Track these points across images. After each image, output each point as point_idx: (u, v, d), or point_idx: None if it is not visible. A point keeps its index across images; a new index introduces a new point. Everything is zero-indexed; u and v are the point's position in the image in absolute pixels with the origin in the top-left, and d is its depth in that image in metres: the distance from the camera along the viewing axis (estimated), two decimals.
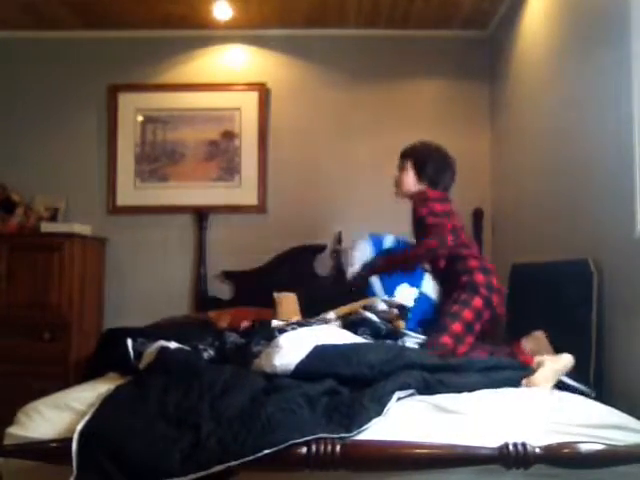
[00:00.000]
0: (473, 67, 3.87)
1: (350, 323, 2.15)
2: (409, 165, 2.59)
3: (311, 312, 2.87)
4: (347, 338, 1.92)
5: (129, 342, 2.02)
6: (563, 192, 2.69)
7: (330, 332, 1.92)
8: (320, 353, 1.70)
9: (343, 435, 1.35)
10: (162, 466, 1.28)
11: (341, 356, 1.70)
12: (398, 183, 2.63)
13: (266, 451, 1.29)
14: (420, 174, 2.56)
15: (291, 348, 1.72)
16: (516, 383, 1.79)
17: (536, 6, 3.07)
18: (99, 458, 1.31)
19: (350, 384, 1.60)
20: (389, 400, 1.50)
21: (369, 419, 1.41)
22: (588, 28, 2.45)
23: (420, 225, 2.47)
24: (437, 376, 1.66)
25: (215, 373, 1.65)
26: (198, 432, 1.35)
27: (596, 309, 2.24)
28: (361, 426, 1.39)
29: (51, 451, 1.38)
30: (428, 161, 2.55)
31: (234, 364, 1.82)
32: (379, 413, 1.44)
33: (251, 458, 1.28)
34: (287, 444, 1.30)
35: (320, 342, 1.76)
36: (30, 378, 3.00)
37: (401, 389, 1.57)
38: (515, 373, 1.83)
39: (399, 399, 1.55)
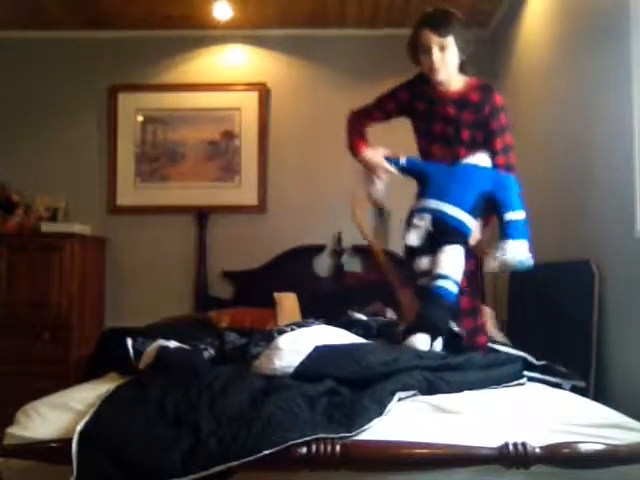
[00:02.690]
0: (473, 66, 3.86)
1: (343, 325, 2.14)
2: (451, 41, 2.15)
3: (311, 312, 2.88)
4: (347, 338, 1.92)
5: (129, 342, 2.02)
6: (564, 192, 2.69)
7: (330, 332, 1.92)
8: (320, 354, 1.70)
9: (343, 435, 1.35)
10: (162, 466, 1.27)
11: (341, 357, 1.69)
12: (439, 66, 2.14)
13: (266, 451, 1.28)
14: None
15: (291, 349, 1.72)
16: (515, 377, 1.81)
17: (536, 6, 3.06)
18: (99, 458, 1.30)
19: (350, 385, 1.60)
20: (390, 401, 1.49)
21: (369, 419, 1.41)
22: (588, 28, 2.45)
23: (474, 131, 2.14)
24: (438, 375, 1.67)
25: (214, 373, 1.65)
26: (198, 432, 1.34)
27: (597, 309, 2.24)
28: (361, 426, 1.38)
29: (51, 451, 1.37)
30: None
31: (234, 364, 1.82)
32: (380, 413, 1.44)
33: (251, 458, 1.28)
34: (287, 444, 1.30)
35: (320, 343, 1.76)
36: (30, 378, 3.00)
37: (402, 390, 1.57)
38: (512, 367, 1.84)
39: (400, 400, 1.55)
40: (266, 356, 1.74)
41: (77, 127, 3.87)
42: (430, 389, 1.61)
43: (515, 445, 1.33)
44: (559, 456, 1.34)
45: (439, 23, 2.13)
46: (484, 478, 1.38)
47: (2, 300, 3.31)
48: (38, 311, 3.30)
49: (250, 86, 3.87)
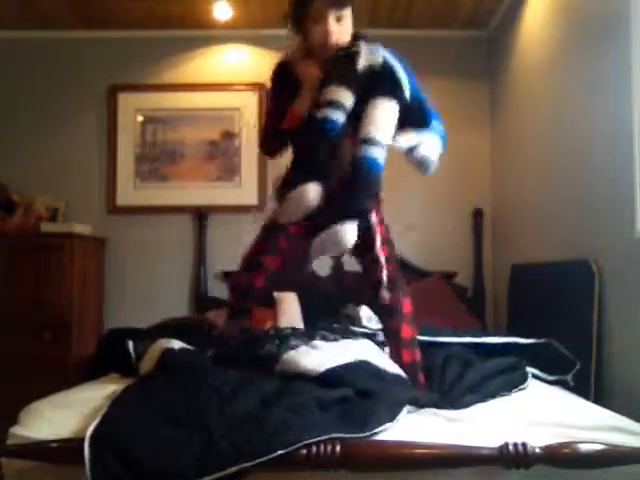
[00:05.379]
0: (473, 67, 3.87)
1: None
2: (349, 12, 1.98)
3: (311, 312, 2.88)
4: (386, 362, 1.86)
5: (130, 344, 2.02)
6: (564, 192, 2.69)
7: (373, 352, 1.89)
8: (352, 365, 1.68)
9: (356, 436, 1.35)
10: (175, 469, 1.26)
11: (368, 371, 1.68)
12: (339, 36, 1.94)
13: (280, 452, 1.28)
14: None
15: (331, 353, 1.73)
16: (519, 383, 1.83)
17: (536, 6, 3.07)
18: (110, 462, 1.29)
19: (363, 395, 1.59)
20: (400, 411, 1.49)
21: (381, 423, 1.40)
22: (588, 28, 2.45)
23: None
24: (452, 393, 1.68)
25: (223, 375, 1.64)
26: (209, 434, 1.33)
27: (597, 310, 2.24)
28: (374, 429, 1.38)
29: (54, 451, 1.37)
30: None
31: (238, 364, 1.80)
32: (391, 419, 1.44)
33: (264, 459, 1.27)
34: (300, 444, 1.30)
35: (361, 358, 1.74)
36: (30, 378, 2.99)
37: (411, 404, 1.57)
38: (515, 374, 1.84)
39: (409, 412, 1.54)
40: (304, 352, 1.74)
41: (77, 127, 3.87)
42: (438, 405, 1.61)
43: (515, 445, 1.33)
44: (559, 456, 1.34)
45: None
46: (484, 478, 1.39)
47: (2, 300, 3.30)
48: (38, 311, 3.29)
49: (250, 86, 3.87)
